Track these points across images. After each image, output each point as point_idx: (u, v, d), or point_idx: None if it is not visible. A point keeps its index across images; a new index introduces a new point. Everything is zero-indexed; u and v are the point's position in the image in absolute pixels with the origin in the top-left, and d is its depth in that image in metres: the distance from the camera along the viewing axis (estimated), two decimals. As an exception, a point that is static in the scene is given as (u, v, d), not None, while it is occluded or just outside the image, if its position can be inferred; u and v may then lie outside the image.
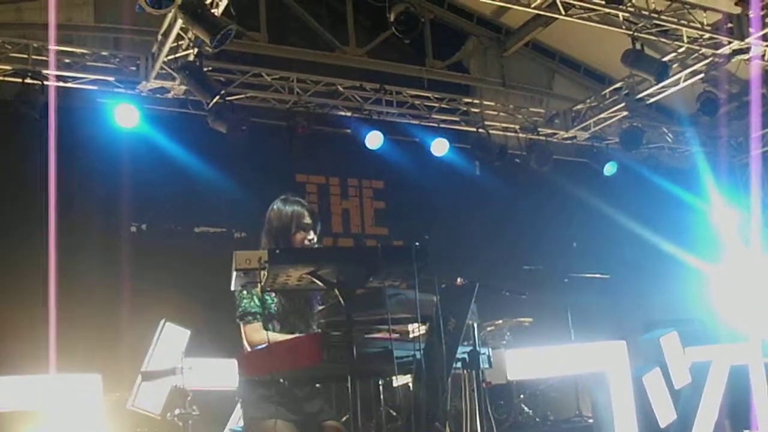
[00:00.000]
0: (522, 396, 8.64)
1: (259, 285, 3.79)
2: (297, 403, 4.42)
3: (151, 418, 6.43)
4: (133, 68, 8.62)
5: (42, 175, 8.02)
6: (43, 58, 8.24)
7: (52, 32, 7.91)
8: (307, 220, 4.63)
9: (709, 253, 10.92)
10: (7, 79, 8.17)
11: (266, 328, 4.48)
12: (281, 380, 4.20)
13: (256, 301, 4.55)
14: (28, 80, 8.08)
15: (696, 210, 11.56)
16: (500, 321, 8.54)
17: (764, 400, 7.74)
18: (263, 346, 4.15)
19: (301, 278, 3.81)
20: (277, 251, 3.77)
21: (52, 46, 8.18)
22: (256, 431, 4.39)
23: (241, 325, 4.51)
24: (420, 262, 3.79)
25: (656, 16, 8.53)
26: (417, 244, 3.74)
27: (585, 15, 8.42)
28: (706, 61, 9.30)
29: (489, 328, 8.46)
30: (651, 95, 10.10)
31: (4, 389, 5.68)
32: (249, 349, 4.45)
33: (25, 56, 8.20)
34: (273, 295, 4.58)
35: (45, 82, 8.15)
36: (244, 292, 4.52)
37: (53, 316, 7.72)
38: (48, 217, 8.13)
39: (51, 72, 8.24)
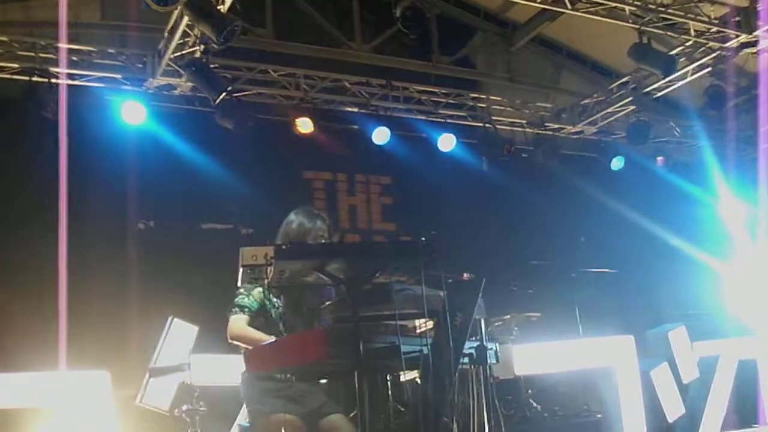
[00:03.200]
0: (530, 391, 8.62)
1: (264, 281, 3.82)
2: (301, 396, 4.46)
3: (159, 414, 6.45)
4: (140, 65, 8.63)
5: (50, 173, 8.05)
6: (51, 56, 8.26)
7: (62, 30, 7.91)
8: (326, 236, 4.70)
9: (716, 248, 10.88)
10: (14, 77, 8.19)
11: (271, 332, 4.52)
12: (286, 375, 4.22)
13: (252, 299, 4.62)
14: (36, 78, 8.09)
15: (704, 204, 11.51)
16: (508, 316, 8.52)
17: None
18: (271, 341, 4.17)
19: (308, 274, 3.82)
20: (284, 247, 3.78)
21: (60, 44, 8.19)
22: (261, 425, 4.42)
23: (228, 316, 4.59)
24: (427, 257, 3.79)
25: (663, 9, 8.49)
26: (424, 239, 3.74)
27: (592, 9, 8.38)
28: (714, 54, 9.25)
29: (496, 324, 8.45)
30: (658, 89, 10.07)
31: (14, 386, 5.71)
32: (229, 339, 4.53)
33: (33, 54, 8.21)
34: (275, 299, 4.63)
35: (52, 80, 8.16)
36: (242, 290, 4.61)
37: (62, 313, 7.76)
38: (56, 215, 8.16)
39: (58, 70, 8.25)
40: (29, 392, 5.77)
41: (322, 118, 9.63)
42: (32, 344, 7.22)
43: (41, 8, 8.54)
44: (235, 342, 4.64)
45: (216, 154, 8.93)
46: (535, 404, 8.64)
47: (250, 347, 4.39)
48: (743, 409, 7.62)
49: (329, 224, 4.81)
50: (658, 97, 10.48)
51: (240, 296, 4.67)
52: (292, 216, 4.83)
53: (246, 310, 4.62)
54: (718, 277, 10.56)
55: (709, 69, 9.56)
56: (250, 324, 4.62)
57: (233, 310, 4.64)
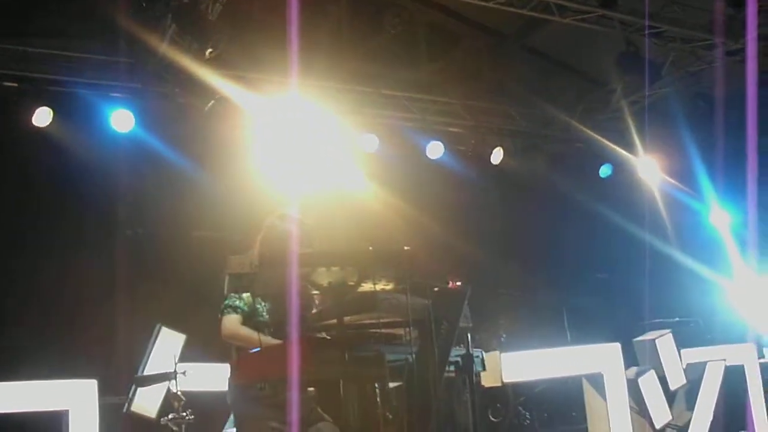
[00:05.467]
0: (519, 399, 8.64)
1: (251, 289, 3.83)
2: (287, 404, 4.46)
3: (146, 424, 6.43)
4: (129, 72, 8.61)
5: (39, 180, 8.06)
6: (39, 62, 8.25)
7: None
8: (305, 241, 4.70)
9: (706, 255, 10.93)
10: (3, 83, 8.18)
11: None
12: (270, 384, 4.22)
13: (243, 301, 4.64)
14: (24, 84, 8.08)
15: (693, 211, 11.56)
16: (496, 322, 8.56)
17: (759, 401, 7.75)
18: (255, 350, 4.18)
19: (293, 282, 3.83)
20: (269, 256, 3.80)
21: (49, 50, 8.19)
22: (248, 432, 4.43)
23: (220, 317, 4.60)
24: (412, 266, 3.81)
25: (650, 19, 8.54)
26: (407, 248, 3.76)
27: (579, 17, 8.43)
28: (700, 62, 9.31)
29: (483, 332, 8.47)
30: (645, 97, 10.11)
31: (1, 395, 5.68)
32: (223, 338, 4.54)
33: (21, 60, 8.20)
34: (264, 303, 4.64)
35: (40, 86, 8.16)
36: (232, 294, 4.61)
37: (49, 322, 7.74)
38: (44, 222, 8.16)
39: (46, 76, 8.24)
40: (17, 401, 5.75)
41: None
42: (19, 353, 7.20)
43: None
44: (229, 341, 4.65)
45: (206, 161, 8.92)
46: (523, 411, 8.66)
47: (239, 354, 4.40)
48: (730, 415, 7.64)
49: (308, 228, 4.79)
50: (646, 104, 10.51)
51: (231, 298, 4.69)
52: (271, 221, 4.81)
53: (238, 310, 4.65)
54: (707, 284, 10.62)
55: (696, 77, 9.62)
56: (242, 324, 4.64)
57: (226, 310, 4.66)
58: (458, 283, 4.95)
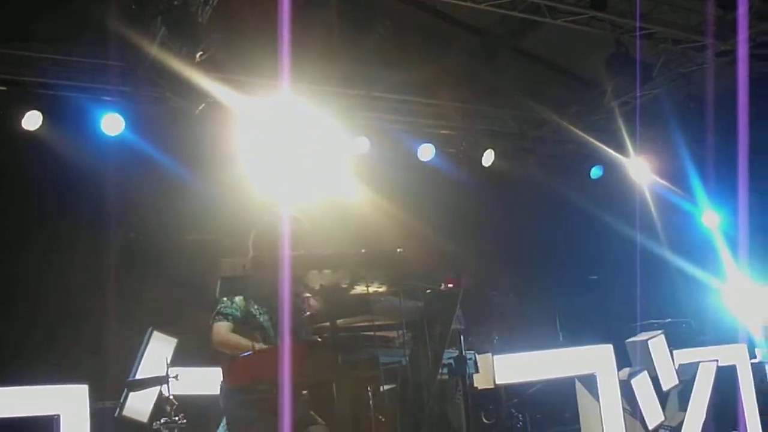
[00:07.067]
0: (511, 401, 8.64)
1: (243, 292, 3.82)
2: (279, 408, 4.45)
3: (137, 428, 6.41)
4: (119, 76, 8.59)
5: (28, 184, 8.02)
6: (30, 66, 8.22)
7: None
8: (297, 238, 4.68)
9: (697, 256, 10.96)
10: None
11: (254, 339, 4.52)
12: (263, 387, 4.21)
13: (235, 307, 4.62)
14: (14, 88, 8.06)
15: (684, 212, 11.59)
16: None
17: (751, 401, 7.77)
18: (247, 353, 4.17)
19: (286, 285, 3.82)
20: (261, 259, 3.79)
21: (39, 54, 8.16)
22: (238, 436, 4.41)
23: (211, 325, 4.59)
24: (405, 268, 3.80)
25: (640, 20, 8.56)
26: (400, 250, 3.76)
27: (570, 19, 8.44)
28: (691, 63, 9.34)
29: (475, 334, 8.47)
30: (636, 98, 10.13)
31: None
32: (213, 346, 4.53)
33: (11, 63, 8.17)
34: (257, 307, 4.63)
35: (30, 89, 8.13)
36: (224, 299, 4.60)
37: (40, 326, 7.71)
38: (34, 226, 8.12)
39: (36, 79, 8.22)
40: (8, 406, 5.72)
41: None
42: (10, 358, 7.17)
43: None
44: (219, 348, 4.65)
45: (197, 163, 8.89)
46: (516, 413, 8.66)
47: (230, 358, 4.39)
48: (722, 416, 7.66)
49: (301, 225, 4.77)
50: (637, 105, 10.53)
51: (222, 305, 4.69)
52: (265, 220, 4.79)
53: (229, 317, 4.65)
54: (699, 284, 10.65)
55: (686, 78, 9.64)
56: (233, 331, 4.64)
57: (216, 317, 4.68)
58: (451, 286, 4.93)
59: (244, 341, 4.53)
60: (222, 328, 4.64)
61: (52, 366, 6.82)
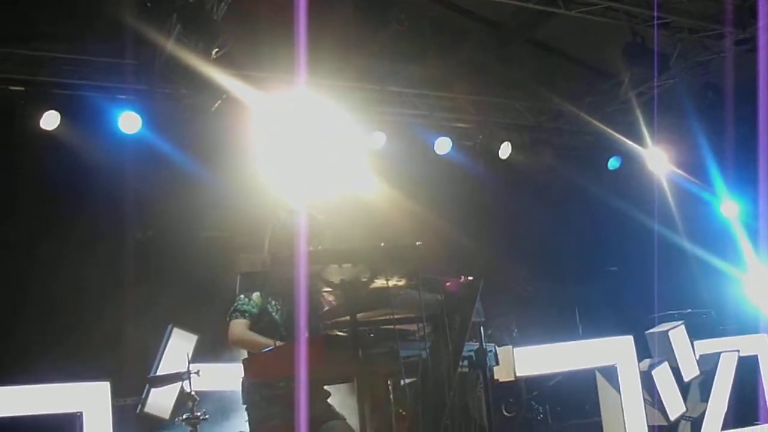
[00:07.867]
0: (532, 393, 8.62)
1: (263, 288, 3.82)
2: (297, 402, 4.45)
3: (160, 423, 6.44)
4: (135, 74, 8.61)
5: (47, 183, 8.06)
6: (46, 65, 8.25)
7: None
8: (314, 234, 4.68)
9: (717, 246, 10.90)
10: (10, 88, 8.19)
11: (273, 336, 4.52)
12: (284, 382, 4.22)
13: (252, 304, 4.62)
14: (31, 88, 8.09)
15: (703, 202, 11.53)
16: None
17: (773, 391, 7.73)
18: (269, 349, 4.17)
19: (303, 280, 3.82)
20: (280, 255, 3.79)
21: (55, 54, 8.19)
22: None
23: (228, 321, 4.60)
24: (424, 261, 3.79)
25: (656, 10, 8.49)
26: (419, 243, 3.75)
27: (585, 10, 8.40)
28: (709, 52, 9.26)
29: (494, 327, 8.45)
30: (653, 88, 10.07)
31: (16, 398, 5.71)
32: (230, 344, 4.53)
33: (28, 64, 8.21)
34: (274, 303, 4.63)
35: (47, 90, 8.16)
36: (242, 295, 4.61)
37: (61, 324, 7.75)
38: (53, 225, 8.16)
39: (53, 79, 8.25)
40: (31, 404, 5.77)
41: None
42: (33, 356, 7.21)
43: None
44: (236, 346, 4.66)
45: (213, 161, 8.91)
46: (536, 405, 8.65)
47: (251, 353, 4.39)
48: (744, 407, 7.62)
49: (317, 222, 4.76)
50: (654, 95, 10.47)
51: (239, 302, 4.70)
52: (281, 217, 4.78)
53: (246, 314, 4.65)
54: (719, 275, 10.59)
55: (704, 67, 9.56)
56: (250, 328, 4.64)
57: (233, 315, 4.68)
58: (470, 278, 4.91)
59: (260, 339, 4.53)
60: (239, 326, 4.64)
61: (72, 364, 6.85)
